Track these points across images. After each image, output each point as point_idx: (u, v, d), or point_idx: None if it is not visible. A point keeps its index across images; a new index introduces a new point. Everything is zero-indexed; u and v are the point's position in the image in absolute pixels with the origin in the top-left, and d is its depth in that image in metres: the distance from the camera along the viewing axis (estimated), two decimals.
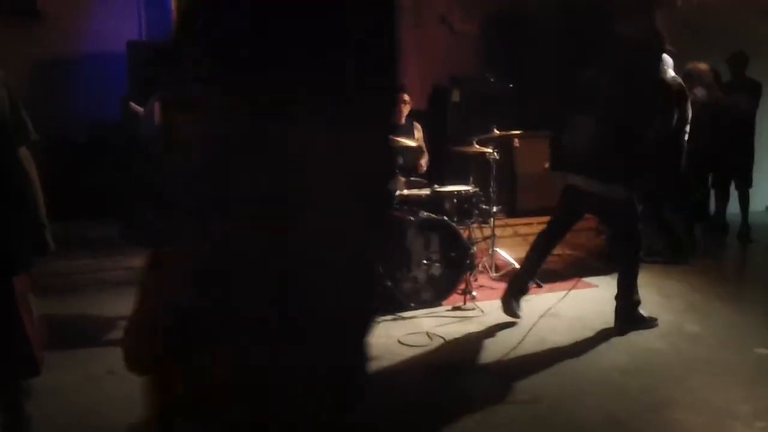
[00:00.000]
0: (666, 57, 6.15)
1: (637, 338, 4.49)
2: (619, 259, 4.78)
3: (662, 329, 4.67)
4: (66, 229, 5.56)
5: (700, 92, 6.70)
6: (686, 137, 6.17)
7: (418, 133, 6.15)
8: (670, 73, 6.13)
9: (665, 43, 4.82)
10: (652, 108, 4.73)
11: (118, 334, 4.67)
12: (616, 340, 4.46)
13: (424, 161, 6.12)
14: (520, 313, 4.78)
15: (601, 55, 4.69)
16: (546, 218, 7.36)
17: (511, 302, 4.74)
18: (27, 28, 7.03)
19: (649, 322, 4.69)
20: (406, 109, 6.04)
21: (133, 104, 4.92)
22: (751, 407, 3.49)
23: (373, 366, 3.99)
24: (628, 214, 4.55)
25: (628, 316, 4.63)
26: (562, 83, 7.75)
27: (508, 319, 4.85)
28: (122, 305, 5.22)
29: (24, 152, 2.62)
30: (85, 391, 3.72)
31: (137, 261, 5.83)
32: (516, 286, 4.80)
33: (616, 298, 4.67)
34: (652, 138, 5.97)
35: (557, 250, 6.83)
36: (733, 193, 7.65)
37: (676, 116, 5.96)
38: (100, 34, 7.20)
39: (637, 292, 4.67)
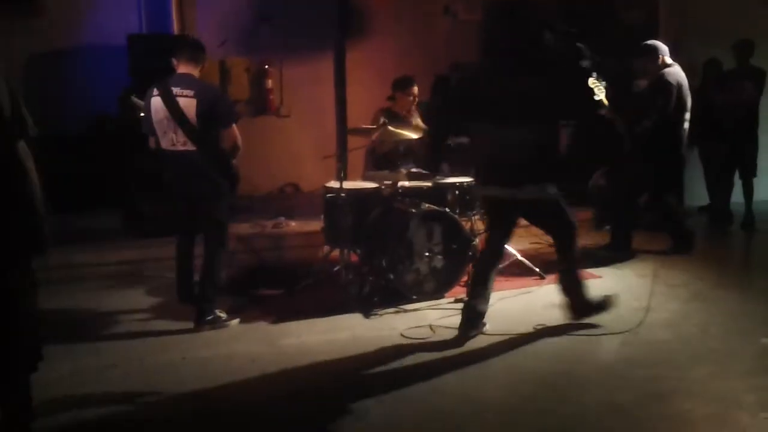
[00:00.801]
0: (660, 44, 6.13)
1: (641, 329, 4.46)
2: (562, 255, 4.52)
3: (667, 318, 4.65)
4: (66, 222, 5.58)
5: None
6: (686, 126, 6.12)
7: (416, 120, 6.12)
8: (667, 60, 6.08)
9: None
10: (573, 105, 4.49)
11: (119, 326, 4.67)
12: (619, 330, 4.43)
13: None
14: (485, 329, 4.40)
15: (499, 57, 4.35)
16: None
17: (468, 330, 4.32)
18: (26, 20, 7.01)
19: (601, 308, 4.54)
20: (414, 102, 6.02)
21: (135, 98, 4.91)
22: (756, 397, 3.47)
23: (377, 359, 4.00)
24: (558, 211, 4.37)
25: (583, 307, 4.50)
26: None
27: (512, 310, 4.84)
28: (122, 298, 5.26)
29: (23, 146, 2.60)
30: (86, 385, 3.71)
31: (137, 254, 5.86)
32: (472, 314, 4.36)
33: (563, 293, 4.50)
34: (644, 129, 5.97)
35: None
36: (738, 182, 7.61)
37: (663, 106, 5.91)
38: (101, 26, 7.19)
39: (584, 284, 4.53)
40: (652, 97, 6.03)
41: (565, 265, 4.51)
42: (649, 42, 6.22)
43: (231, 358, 4.04)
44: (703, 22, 7.93)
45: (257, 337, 4.42)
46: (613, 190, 6.68)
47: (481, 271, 4.49)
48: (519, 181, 4.21)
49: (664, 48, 6.13)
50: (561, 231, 4.49)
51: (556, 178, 4.30)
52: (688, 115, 6.11)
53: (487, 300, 4.44)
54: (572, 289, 4.49)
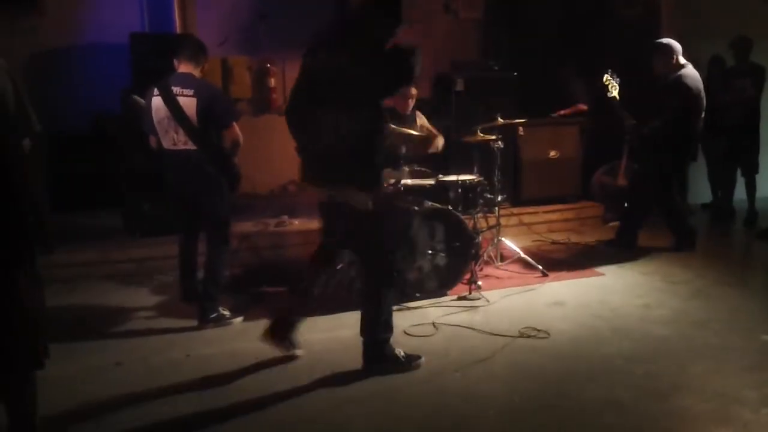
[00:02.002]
0: (675, 43, 6.08)
1: (643, 325, 4.48)
2: (367, 288, 3.83)
3: (668, 315, 4.66)
4: (68, 221, 5.60)
5: None
6: (701, 125, 6.11)
7: (421, 120, 6.13)
8: (681, 60, 6.06)
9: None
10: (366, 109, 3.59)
11: (123, 325, 4.69)
12: (621, 327, 4.45)
13: (440, 143, 6.08)
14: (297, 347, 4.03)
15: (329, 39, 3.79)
16: (551, 207, 7.42)
17: (286, 344, 3.97)
18: (29, 18, 7.04)
19: (405, 363, 3.82)
20: (413, 102, 6.03)
21: (136, 97, 4.93)
22: (758, 393, 3.48)
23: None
24: (375, 229, 3.72)
25: (376, 354, 3.80)
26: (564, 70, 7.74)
27: (515, 308, 4.85)
28: (126, 296, 5.28)
29: (27, 144, 2.62)
30: (91, 383, 3.74)
31: (140, 252, 5.89)
32: (288, 327, 3.97)
33: (361, 332, 3.83)
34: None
35: (563, 239, 6.86)
36: (739, 180, 7.62)
37: (679, 108, 5.90)
38: (103, 25, 7.21)
39: (390, 328, 3.82)
40: (666, 97, 6.00)
41: (365, 305, 3.81)
42: (664, 40, 6.15)
43: (234, 356, 4.06)
44: (704, 20, 7.92)
45: (260, 334, 4.43)
46: (631, 187, 6.65)
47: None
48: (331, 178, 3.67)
49: (678, 47, 6.06)
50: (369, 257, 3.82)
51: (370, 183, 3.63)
52: (702, 116, 6.11)
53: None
54: (368, 329, 3.79)
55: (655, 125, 5.95)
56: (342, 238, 3.91)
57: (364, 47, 3.59)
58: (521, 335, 4.30)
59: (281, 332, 3.94)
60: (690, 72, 6.01)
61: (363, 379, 3.74)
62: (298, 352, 4.03)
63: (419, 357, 3.89)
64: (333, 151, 3.59)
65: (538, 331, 4.36)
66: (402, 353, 3.86)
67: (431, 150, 6.02)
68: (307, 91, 3.71)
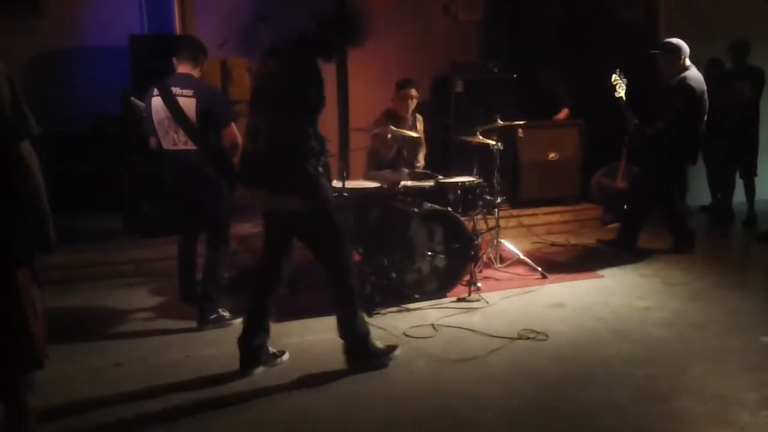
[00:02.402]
0: (683, 45, 6.06)
1: (642, 327, 4.48)
2: (334, 287, 3.86)
3: (667, 318, 4.67)
4: (68, 222, 5.59)
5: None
6: (703, 127, 6.12)
7: (420, 125, 6.15)
8: (687, 62, 6.05)
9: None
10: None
11: (123, 326, 4.69)
12: (620, 329, 4.45)
13: (422, 155, 6.11)
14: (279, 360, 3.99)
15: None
16: (550, 208, 7.42)
17: (250, 368, 3.85)
18: (28, 20, 7.04)
19: (384, 356, 3.92)
20: (413, 104, 6.03)
21: (134, 99, 4.93)
22: (757, 395, 3.49)
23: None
24: (321, 224, 3.77)
25: (361, 351, 3.88)
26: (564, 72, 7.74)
27: (514, 310, 4.85)
28: (126, 297, 5.28)
29: (26, 146, 2.62)
30: (90, 383, 3.74)
31: (140, 253, 5.88)
32: (247, 349, 3.88)
33: (340, 333, 3.87)
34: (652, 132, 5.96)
35: (562, 240, 6.86)
36: (739, 182, 7.62)
37: (683, 109, 5.90)
38: (102, 27, 7.21)
39: (363, 320, 3.91)
40: (671, 98, 5.99)
41: (339, 306, 3.86)
42: (673, 40, 6.10)
43: (234, 358, 4.04)
44: (704, 21, 7.93)
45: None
46: (632, 187, 6.66)
47: (256, 302, 3.91)
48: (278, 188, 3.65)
49: (686, 48, 6.03)
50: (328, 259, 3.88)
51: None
52: (705, 118, 6.11)
53: (266, 330, 3.90)
54: (347, 328, 3.86)
55: (659, 126, 5.95)
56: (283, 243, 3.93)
57: (305, 59, 3.69)
58: (520, 337, 4.30)
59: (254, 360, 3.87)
60: (694, 74, 6.01)
61: (362, 380, 3.74)
62: (284, 357, 4.03)
63: (396, 347, 4.00)
64: (270, 156, 3.62)
65: (537, 333, 4.36)
66: (381, 345, 3.95)
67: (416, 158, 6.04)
68: (252, 97, 3.80)
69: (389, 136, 5.69)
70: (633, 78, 6.22)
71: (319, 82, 3.67)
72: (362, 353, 3.88)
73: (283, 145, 3.60)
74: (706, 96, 6.05)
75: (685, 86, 5.93)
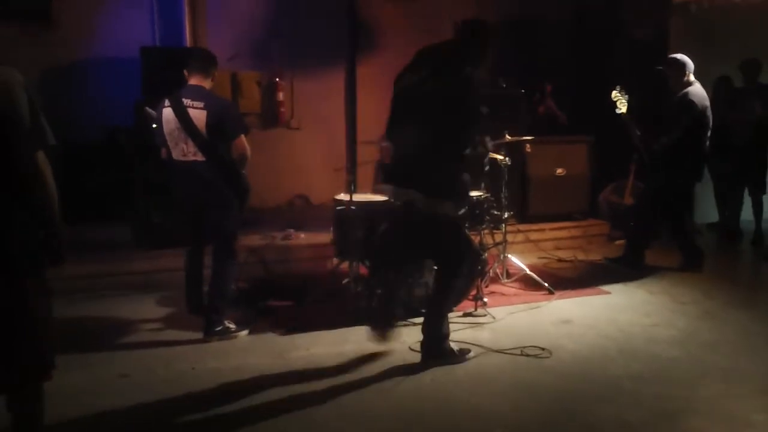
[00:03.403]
0: (688, 60, 6.08)
1: (651, 346, 4.46)
2: (442, 285, 4.19)
3: (676, 336, 4.64)
4: (77, 233, 5.60)
5: None
6: (707, 143, 6.12)
7: None
8: (691, 78, 6.06)
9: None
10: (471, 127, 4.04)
11: (130, 337, 4.69)
12: (629, 348, 4.43)
13: None
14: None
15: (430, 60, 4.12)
16: (558, 224, 7.41)
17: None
18: (41, 32, 7.08)
19: (458, 357, 4.18)
20: None
21: (148, 109, 4.95)
22: (766, 416, 3.46)
23: (385, 372, 4.00)
24: (452, 234, 4.11)
25: (436, 350, 4.14)
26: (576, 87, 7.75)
27: (521, 326, 4.83)
28: (133, 308, 5.28)
29: (42, 157, 2.63)
30: (97, 394, 3.73)
31: (148, 264, 5.89)
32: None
33: (423, 329, 4.17)
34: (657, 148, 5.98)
35: (569, 256, 6.83)
36: (747, 200, 7.60)
37: (686, 125, 5.90)
38: (114, 39, 7.25)
39: (447, 324, 4.20)
40: (676, 114, 6.00)
41: (432, 303, 4.25)
42: (677, 56, 6.13)
43: (240, 370, 4.05)
44: (713, 39, 7.94)
45: (266, 349, 4.43)
46: (637, 204, 6.65)
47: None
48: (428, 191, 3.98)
49: (690, 65, 6.06)
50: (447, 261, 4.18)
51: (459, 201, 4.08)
52: (708, 134, 6.11)
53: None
54: (431, 326, 4.14)
55: (662, 141, 5.96)
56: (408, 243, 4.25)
57: (461, 82, 3.99)
58: (522, 354, 4.28)
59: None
60: (697, 90, 6.02)
61: (369, 394, 3.73)
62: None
63: (469, 350, 4.28)
64: (427, 163, 3.95)
65: (542, 350, 4.33)
66: (456, 347, 4.22)
67: None
68: (405, 107, 4.07)
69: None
70: (642, 95, 6.23)
71: (478, 93, 4.07)
72: (436, 352, 4.12)
73: (443, 154, 3.94)
74: (709, 112, 6.05)
75: (687, 102, 5.94)
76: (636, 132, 6.10)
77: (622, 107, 6.08)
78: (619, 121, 6.13)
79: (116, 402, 3.62)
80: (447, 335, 4.18)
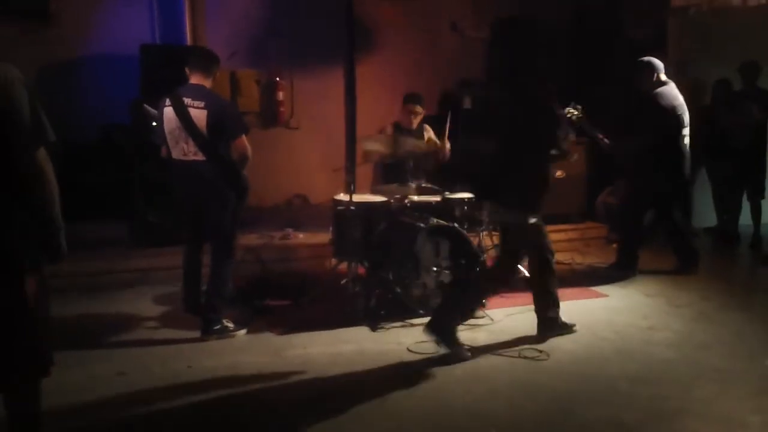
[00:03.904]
0: (655, 61, 6.08)
1: (647, 347, 4.47)
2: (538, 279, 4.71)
3: (672, 338, 4.65)
4: (74, 230, 5.60)
5: None
6: (686, 141, 6.10)
7: (429, 133, 6.17)
8: (662, 78, 6.05)
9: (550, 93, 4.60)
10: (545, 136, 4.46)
11: (127, 335, 4.69)
12: (625, 349, 4.44)
13: (446, 151, 6.11)
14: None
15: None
16: (555, 226, 7.41)
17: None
18: (40, 30, 7.08)
19: (568, 327, 4.71)
20: (416, 119, 6.08)
21: (147, 107, 4.95)
22: (761, 417, 3.47)
23: (382, 373, 4.01)
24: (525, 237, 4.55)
25: (550, 326, 4.64)
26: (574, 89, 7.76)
27: (518, 326, 4.84)
28: (131, 306, 5.28)
29: (42, 154, 2.63)
30: (93, 391, 3.74)
31: (145, 262, 5.89)
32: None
33: (536, 311, 4.68)
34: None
35: (566, 259, 6.84)
36: (745, 204, 7.61)
37: (655, 126, 5.91)
38: (113, 36, 7.25)
39: (557, 303, 4.69)
40: (644, 116, 6.00)
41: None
42: (645, 58, 6.13)
43: (236, 369, 4.06)
44: (712, 41, 7.95)
45: (263, 348, 4.44)
46: (620, 208, 6.69)
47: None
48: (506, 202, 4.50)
49: (659, 65, 6.05)
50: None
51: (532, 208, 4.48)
52: (686, 131, 6.08)
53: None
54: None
55: (630, 148, 5.97)
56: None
57: (540, 101, 4.46)
58: (520, 356, 4.29)
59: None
60: (667, 90, 5.98)
61: (365, 394, 3.73)
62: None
63: (574, 324, 4.74)
64: (509, 177, 4.43)
65: (540, 352, 4.34)
66: (565, 321, 4.71)
67: (440, 160, 6.06)
68: (486, 121, 4.57)
69: (389, 131, 5.86)
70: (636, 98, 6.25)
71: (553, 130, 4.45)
72: (551, 328, 4.60)
73: (527, 170, 4.42)
74: (680, 110, 5.97)
75: (654, 102, 5.92)
76: (599, 136, 6.09)
77: (577, 120, 6.00)
78: (581, 129, 6.12)
79: (113, 399, 3.64)
80: (557, 314, 4.67)
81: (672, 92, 6.01)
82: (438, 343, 4.25)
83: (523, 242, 4.57)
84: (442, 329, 4.26)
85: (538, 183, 4.48)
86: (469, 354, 4.26)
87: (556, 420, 3.48)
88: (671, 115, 5.93)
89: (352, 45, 8.13)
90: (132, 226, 6.35)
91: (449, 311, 4.41)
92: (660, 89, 5.98)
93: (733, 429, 3.37)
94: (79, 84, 7.25)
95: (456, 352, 4.22)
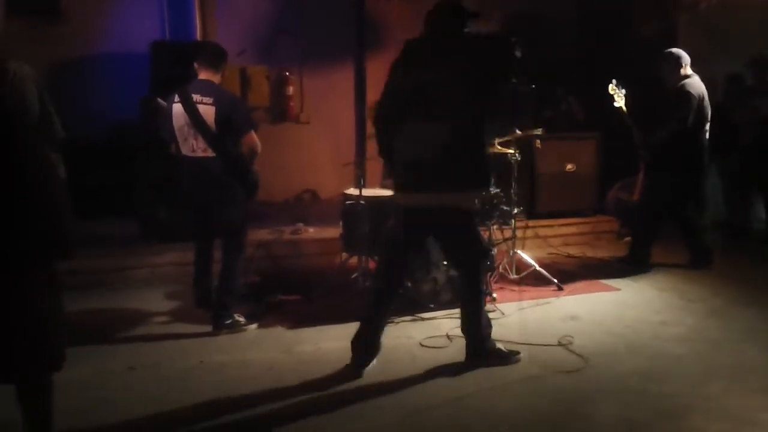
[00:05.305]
0: (683, 53, 6.07)
1: (658, 343, 4.45)
2: (469, 288, 4.07)
3: (684, 334, 4.63)
4: (85, 227, 5.65)
5: None
6: (707, 137, 6.09)
7: None
8: (688, 71, 6.04)
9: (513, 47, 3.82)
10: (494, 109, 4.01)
11: (138, 330, 4.72)
12: (636, 344, 4.42)
13: None
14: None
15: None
16: (566, 220, 7.39)
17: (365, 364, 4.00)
18: (50, 27, 7.11)
19: (507, 357, 4.09)
20: None
21: (160, 100, 4.94)
22: None
23: (392, 367, 4.01)
24: (468, 228, 3.98)
25: (481, 350, 4.06)
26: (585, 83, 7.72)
27: (529, 322, 4.84)
28: (141, 302, 5.31)
29: (52, 150, 2.64)
30: (105, 387, 3.77)
31: (157, 259, 5.92)
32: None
33: (462, 330, 4.10)
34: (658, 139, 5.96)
35: (578, 253, 6.82)
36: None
37: (684, 117, 5.88)
38: (123, 34, 7.27)
39: (489, 323, 4.12)
40: (672, 107, 5.98)
41: (465, 303, 4.10)
42: (672, 50, 6.13)
43: (248, 364, 4.08)
44: (722, 36, 7.88)
45: (274, 343, 4.45)
46: (639, 201, 6.65)
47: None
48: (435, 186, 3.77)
49: (686, 57, 6.06)
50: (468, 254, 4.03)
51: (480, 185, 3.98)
52: (708, 126, 6.08)
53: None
54: (471, 326, 4.06)
55: (661, 133, 5.94)
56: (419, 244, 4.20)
57: (452, 43, 3.79)
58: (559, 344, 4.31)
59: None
60: (694, 81, 5.99)
61: (375, 391, 3.74)
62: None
63: (518, 353, 4.14)
64: (443, 157, 3.70)
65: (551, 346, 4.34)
66: (503, 347, 4.12)
67: None
68: (406, 101, 3.79)
69: None
70: (652, 94, 6.21)
71: (481, 60, 3.81)
72: (481, 353, 4.04)
73: (461, 141, 3.72)
74: (706, 103, 6.00)
75: (683, 93, 5.91)
76: (635, 126, 6.09)
77: (620, 101, 6.08)
78: (618, 114, 6.14)
79: (124, 395, 3.66)
80: (489, 335, 4.09)
81: (699, 84, 6.02)
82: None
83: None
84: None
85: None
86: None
87: (565, 418, 3.47)
88: (698, 106, 5.92)
89: (362, 41, 8.14)
90: (142, 222, 6.38)
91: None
92: (687, 81, 5.99)
93: (743, 426, 3.35)
94: (89, 81, 7.28)
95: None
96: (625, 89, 6.10)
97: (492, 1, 8.30)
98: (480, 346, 4.06)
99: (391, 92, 3.94)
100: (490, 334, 4.10)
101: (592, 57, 8.50)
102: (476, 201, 4.01)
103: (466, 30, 3.86)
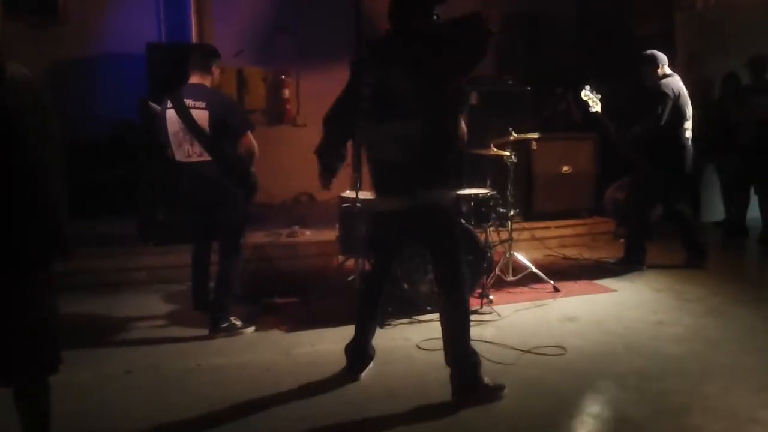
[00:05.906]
0: (659, 54, 6.14)
1: (656, 343, 4.45)
2: (445, 300, 3.67)
3: (681, 333, 4.63)
4: (84, 227, 5.65)
5: None
6: (688, 134, 6.11)
7: None
8: (666, 70, 6.08)
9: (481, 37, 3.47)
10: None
11: (135, 332, 4.70)
12: (634, 344, 4.42)
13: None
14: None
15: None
16: (563, 221, 7.40)
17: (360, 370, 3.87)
18: (48, 28, 7.11)
19: (494, 392, 3.58)
20: None
21: (152, 104, 4.95)
22: None
23: (390, 369, 4.00)
24: (450, 229, 3.71)
25: (471, 382, 3.56)
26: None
27: (526, 323, 4.83)
28: (138, 304, 5.29)
29: (50, 151, 2.63)
30: (103, 390, 3.75)
31: (154, 260, 5.91)
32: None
33: (447, 360, 3.59)
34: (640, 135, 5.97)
35: (575, 254, 6.83)
36: (754, 198, 7.58)
37: (658, 115, 5.91)
38: (120, 35, 7.28)
39: (474, 350, 3.61)
40: (649, 105, 6.03)
41: (447, 324, 3.63)
42: (649, 51, 6.22)
43: (245, 366, 4.07)
44: (720, 36, 7.91)
45: (271, 345, 4.44)
46: (626, 202, 6.68)
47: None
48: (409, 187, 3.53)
49: (663, 57, 6.15)
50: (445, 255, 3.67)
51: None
52: (688, 124, 6.12)
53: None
54: (453, 338, 3.60)
55: (636, 129, 5.99)
56: (397, 249, 4.00)
57: (416, 35, 3.54)
58: (530, 351, 4.27)
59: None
60: (671, 81, 6.06)
61: (372, 392, 3.73)
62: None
63: (504, 387, 3.63)
64: (415, 158, 3.46)
65: (561, 348, 4.32)
66: (489, 380, 3.61)
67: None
68: (372, 102, 3.63)
69: None
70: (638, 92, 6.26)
71: (450, 46, 3.54)
72: (472, 382, 3.54)
73: (432, 139, 3.47)
74: (684, 101, 6.05)
75: (659, 92, 5.98)
76: (612, 126, 6.12)
77: (596, 106, 6.09)
78: (595, 119, 6.17)
79: (121, 397, 3.65)
80: (478, 362, 3.58)
81: (676, 83, 6.08)
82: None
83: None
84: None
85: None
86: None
87: (564, 417, 3.46)
88: (673, 103, 5.95)
89: (359, 42, 8.14)
90: (140, 223, 6.37)
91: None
92: (665, 80, 6.06)
93: (742, 425, 3.35)
94: (87, 82, 7.28)
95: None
96: (600, 94, 6.10)
97: (492, 1, 8.31)
98: (470, 372, 3.55)
99: (351, 93, 3.83)
100: (479, 363, 3.59)
101: (591, 58, 8.53)
102: (450, 198, 3.75)
103: (434, 17, 3.60)
